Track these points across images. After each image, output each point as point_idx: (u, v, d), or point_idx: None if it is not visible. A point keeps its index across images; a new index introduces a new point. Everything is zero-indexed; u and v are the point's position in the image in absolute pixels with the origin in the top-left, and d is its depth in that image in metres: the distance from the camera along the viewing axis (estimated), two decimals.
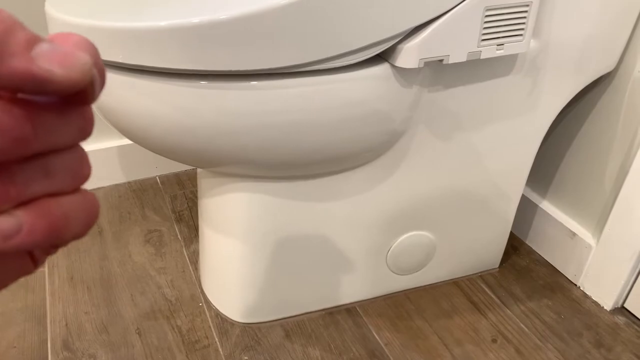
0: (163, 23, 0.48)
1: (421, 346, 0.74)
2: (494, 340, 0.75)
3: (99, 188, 1.04)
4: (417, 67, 0.54)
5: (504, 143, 0.72)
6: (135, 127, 0.55)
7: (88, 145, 1.01)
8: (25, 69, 0.14)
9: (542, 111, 0.71)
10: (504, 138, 0.72)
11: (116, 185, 1.05)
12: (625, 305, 0.80)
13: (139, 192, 1.03)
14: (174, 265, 0.86)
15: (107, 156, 1.02)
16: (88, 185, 1.03)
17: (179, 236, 0.92)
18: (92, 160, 1.01)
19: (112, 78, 0.53)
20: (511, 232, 0.95)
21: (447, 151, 0.70)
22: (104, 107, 0.56)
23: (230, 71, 0.51)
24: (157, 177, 1.08)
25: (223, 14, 0.48)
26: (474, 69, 0.63)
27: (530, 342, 0.75)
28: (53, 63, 0.14)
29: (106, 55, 0.51)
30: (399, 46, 0.53)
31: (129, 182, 1.06)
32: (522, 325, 0.77)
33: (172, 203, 1.01)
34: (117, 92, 0.53)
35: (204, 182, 0.72)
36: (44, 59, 0.14)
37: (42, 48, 0.14)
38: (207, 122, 0.54)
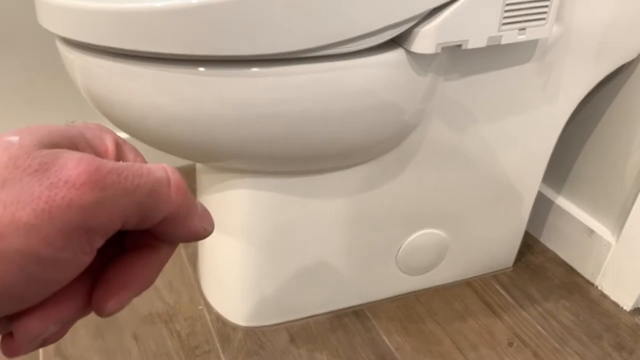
0: (159, 4, 0.44)
1: (434, 351, 0.70)
2: (510, 344, 0.71)
3: None
4: (434, 52, 0.50)
5: (520, 136, 0.68)
6: (131, 118, 0.51)
7: None
8: (198, 228, 0.20)
9: (562, 102, 0.67)
10: (520, 131, 0.68)
11: None
12: None
13: None
14: (172, 266, 0.82)
15: None
16: None
17: None
18: None
19: (106, 65, 0.49)
20: (525, 230, 0.91)
21: (461, 145, 0.66)
22: (98, 97, 0.52)
23: (233, 56, 0.47)
24: None
25: None
26: (492, 56, 0.59)
27: (548, 345, 0.71)
28: (208, 223, 0.21)
29: (99, 39, 0.47)
30: (415, 30, 0.49)
31: None
32: (539, 327, 0.74)
33: None
34: (111, 81, 0.49)
35: (204, 178, 0.68)
36: (204, 220, 0.20)
37: (200, 209, 0.20)
38: (207, 112, 0.50)
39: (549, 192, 0.86)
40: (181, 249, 0.85)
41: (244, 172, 0.63)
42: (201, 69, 0.48)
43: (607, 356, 0.70)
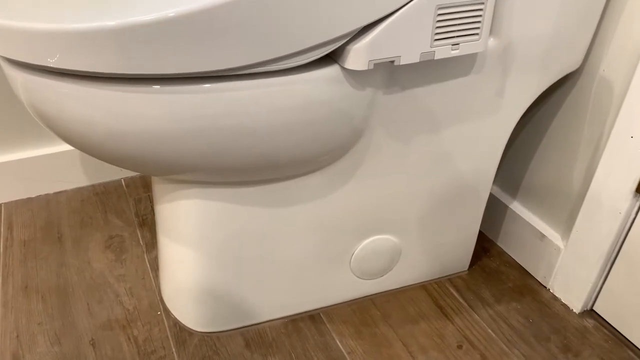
0: (91, 25, 0.45)
1: (384, 354, 0.72)
2: (460, 346, 0.73)
3: (61, 192, 1.01)
4: (366, 68, 0.51)
5: (468, 143, 0.70)
6: (72, 134, 0.53)
7: (51, 147, 0.98)
8: None
9: (507, 111, 0.69)
10: (467, 139, 0.69)
11: (79, 188, 1.02)
12: (594, 308, 0.79)
13: (103, 195, 1.01)
14: (134, 272, 0.84)
15: (70, 159, 0.99)
16: (51, 189, 1.00)
17: (140, 241, 0.90)
18: (55, 163, 0.98)
19: (46, 83, 0.50)
20: (483, 234, 0.93)
21: (408, 153, 0.67)
22: (40, 112, 0.53)
23: (170, 74, 0.48)
24: (122, 180, 1.05)
25: (171, 12, 0.46)
26: (432, 70, 0.60)
27: (496, 348, 0.73)
28: None
29: (36, 59, 0.48)
30: (348, 47, 0.51)
31: (92, 185, 1.03)
32: (489, 330, 0.76)
33: (135, 206, 0.98)
34: (50, 98, 0.50)
35: (158, 187, 0.70)
36: None
37: None
38: (145, 127, 0.51)
39: (505, 197, 0.88)
40: (144, 255, 0.87)
41: (194, 182, 0.64)
42: (139, 86, 0.49)
43: (553, 358, 0.72)
